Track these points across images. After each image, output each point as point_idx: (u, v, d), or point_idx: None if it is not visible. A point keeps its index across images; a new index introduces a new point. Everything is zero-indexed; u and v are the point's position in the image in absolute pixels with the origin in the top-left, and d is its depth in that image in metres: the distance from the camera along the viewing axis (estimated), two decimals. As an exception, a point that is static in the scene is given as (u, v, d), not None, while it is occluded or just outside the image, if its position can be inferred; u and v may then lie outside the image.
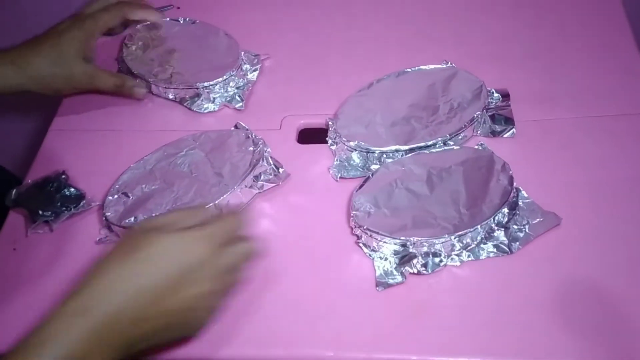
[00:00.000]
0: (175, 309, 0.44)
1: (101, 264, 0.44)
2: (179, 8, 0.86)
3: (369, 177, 0.61)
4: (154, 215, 0.58)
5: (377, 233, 0.55)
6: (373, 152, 0.63)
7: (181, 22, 0.80)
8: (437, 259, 0.55)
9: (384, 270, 0.56)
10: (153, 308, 0.43)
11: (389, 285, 0.55)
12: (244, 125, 0.66)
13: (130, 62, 0.75)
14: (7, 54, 0.67)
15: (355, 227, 0.57)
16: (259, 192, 0.63)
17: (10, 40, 0.68)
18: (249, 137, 0.64)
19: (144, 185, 0.62)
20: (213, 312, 0.48)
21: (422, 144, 0.62)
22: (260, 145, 0.62)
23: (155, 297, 0.43)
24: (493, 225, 0.56)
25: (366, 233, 0.56)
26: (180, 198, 0.60)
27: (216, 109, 0.72)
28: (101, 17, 0.69)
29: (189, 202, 0.59)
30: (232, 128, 0.67)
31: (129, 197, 0.61)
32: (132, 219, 0.58)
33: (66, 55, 0.66)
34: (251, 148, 0.63)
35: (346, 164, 0.65)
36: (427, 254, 0.55)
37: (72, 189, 0.64)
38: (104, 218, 0.60)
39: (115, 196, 0.61)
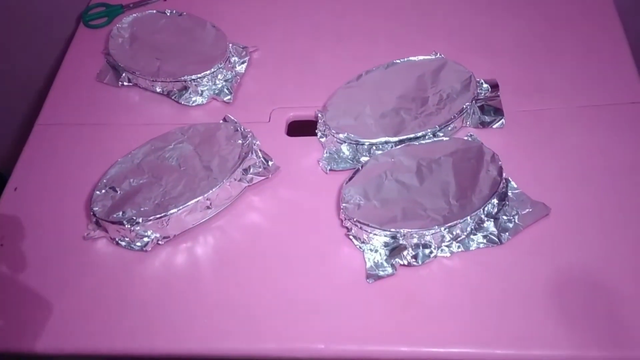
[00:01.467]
0: None
1: None
2: (165, 0, 0.85)
3: (358, 169, 0.60)
4: (142, 209, 0.58)
5: (367, 225, 0.55)
6: (362, 144, 0.62)
7: (168, 14, 0.79)
8: (427, 250, 0.55)
9: (374, 262, 0.56)
10: None
11: (380, 277, 0.55)
12: (232, 118, 0.65)
13: (117, 55, 0.74)
14: None
15: (345, 219, 0.57)
16: (249, 185, 0.62)
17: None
18: (237, 129, 0.63)
19: (132, 180, 0.61)
20: None
21: (411, 136, 0.62)
22: (249, 138, 0.62)
23: None
24: (483, 216, 0.56)
25: (356, 225, 0.56)
26: (168, 192, 0.59)
27: (204, 101, 0.71)
28: None
29: (178, 195, 0.58)
30: (221, 121, 0.66)
31: (116, 191, 0.60)
32: (120, 213, 0.58)
33: None
34: (240, 141, 0.62)
35: (336, 156, 0.64)
36: (417, 246, 0.55)
37: None
38: (91, 213, 0.59)
39: (103, 191, 0.61)
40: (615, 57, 0.70)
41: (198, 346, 0.53)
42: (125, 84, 0.74)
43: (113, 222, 0.58)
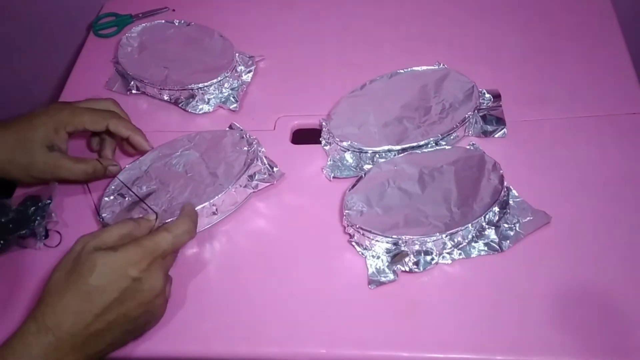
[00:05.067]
0: (122, 323, 0.49)
1: (55, 286, 0.48)
2: (174, 10, 0.87)
3: (361, 177, 0.61)
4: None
5: (370, 232, 0.56)
6: (366, 152, 0.63)
7: (176, 24, 0.81)
8: (428, 257, 0.56)
9: (376, 268, 0.56)
10: (103, 325, 0.47)
11: (381, 283, 0.56)
12: (238, 125, 0.66)
13: (126, 64, 0.76)
14: None
15: (348, 226, 0.58)
16: (254, 192, 0.63)
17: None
18: (243, 137, 0.64)
19: (139, 186, 0.62)
20: (156, 314, 0.52)
21: (414, 144, 0.63)
22: (255, 145, 0.63)
23: (105, 316, 0.47)
24: (484, 223, 0.57)
25: (359, 232, 0.57)
26: (175, 198, 0.60)
27: (211, 109, 0.73)
28: (82, 114, 0.62)
29: (184, 202, 0.59)
30: (227, 129, 0.67)
31: (124, 197, 0.62)
32: (130, 219, 0.58)
33: (29, 141, 0.59)
34: (245, 148, 0.63)
35: (339, 163, 0.65)
36: (418, 252, 0.56)
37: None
38: (100, 219, 0.60)
39: (112, 197, 0.62)
40: (616, 67, 0.71)
41: (200, 349, 0.54)
42: (133, 92, 0.76)
43: None
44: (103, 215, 0.60)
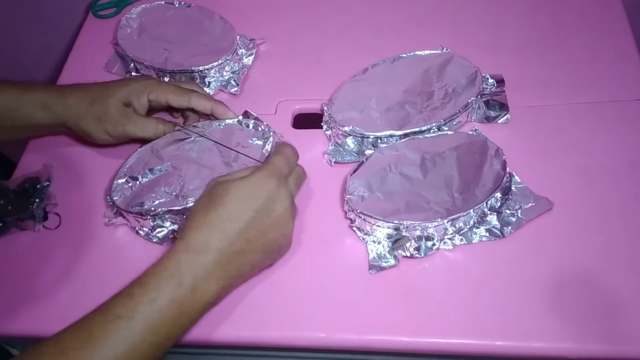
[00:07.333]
0: (261, 243, 0.52)
1: (197, 210, 0.52)
2: (174, -8, 0.86)
3: (363, 162, 0.61)
4: (161, 201, 0.58)
5: (371, 217, 0.56)
6: (367, 137, 0.63)
7: (176, 5, 0.79)
8: (429, 243, 0.56)
9: (377, 253, 0.56)
10: (244, 245, 0.51)
11: (382, 269, 0.55)
12: (253, 113, 0.64)
13: (125, 45, 0.75)
14: (69, 86, 0.64)
15: (349, 211, 0.58)
16: None
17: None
18: (258, 128, 0.63)
19: (151, 170, 0.61)
20: (290, 235, 0.54)
21: (416, 129, 0.62)
22: (271, 138, 0.62)
23: (245, 234, 0.51)
24: (486, 209, 0.57)
25: (360, 217, 0.57)
26: (187, 184, 0.59)
27: (211, 93, 0.72)
28: (168, 86, 0.64)
29: (196, 189, 0.58)
30: (240, 116, 0.65)
31: (136, 181, 0.61)
32: (140, 203, 0.58)
33: (109, 95, 0.62)
34: (260, 142, 0.62)
35: (341, 148, 0.65)
36: (420, 238, 0.56)
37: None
38: (110, 202, 0.59)
39: (122, 180, 0.61)
40: (621, 54, 0.70)
41: (199, 333, 0.54)
42: (133, 74, 0.75)
43: (132, 213, 0.58)
44: (114, 198, 0.59)
